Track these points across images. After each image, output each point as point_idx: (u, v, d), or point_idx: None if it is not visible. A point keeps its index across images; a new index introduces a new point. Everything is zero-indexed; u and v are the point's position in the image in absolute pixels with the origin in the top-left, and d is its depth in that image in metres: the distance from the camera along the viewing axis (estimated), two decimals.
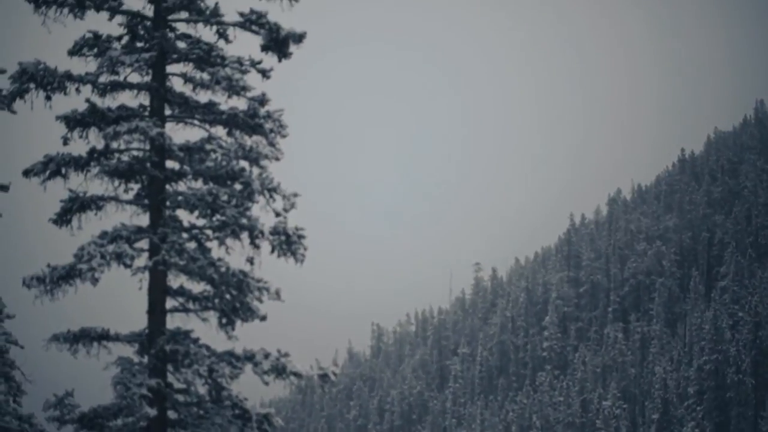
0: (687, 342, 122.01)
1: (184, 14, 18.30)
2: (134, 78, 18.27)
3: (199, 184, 18.36)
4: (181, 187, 18.47)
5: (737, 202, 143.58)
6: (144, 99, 18.40)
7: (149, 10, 18.30)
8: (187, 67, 18.40)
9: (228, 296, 18.19)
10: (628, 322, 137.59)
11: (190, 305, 18.49)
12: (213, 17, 18.21)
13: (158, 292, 18.19)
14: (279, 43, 18.05)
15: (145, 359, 18.11)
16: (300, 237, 18.13)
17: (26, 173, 18.01)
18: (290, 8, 18.06)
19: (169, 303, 18.42)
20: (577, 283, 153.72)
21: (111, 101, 18.24)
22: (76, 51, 18.11)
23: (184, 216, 18.37)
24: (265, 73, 18.32)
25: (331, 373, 18.46)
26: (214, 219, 18.08)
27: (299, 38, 18.09)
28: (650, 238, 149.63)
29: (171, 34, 18.30)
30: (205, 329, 18.38)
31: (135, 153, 18.26)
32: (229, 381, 18.04)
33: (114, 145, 17.98)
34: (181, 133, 18.50)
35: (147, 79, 18.30)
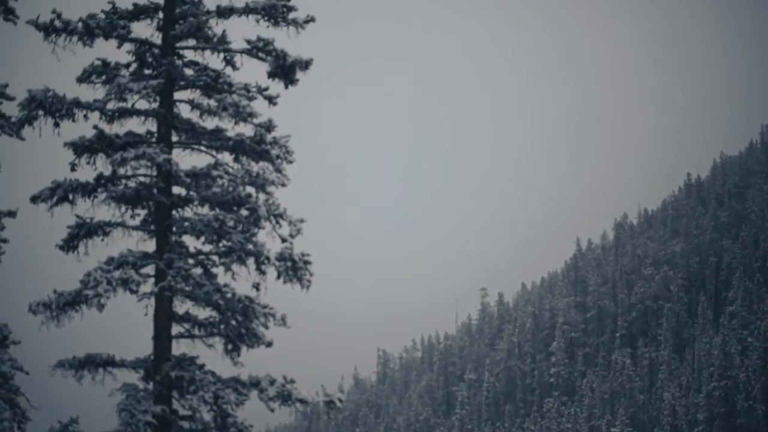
0: (696, 368, 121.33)
1: (191, 42, 18.41)
2: (142, 105, 18.40)
3: (205, 210, 18.39)
4: (188, 213, 18.50)
5: (744, 226, 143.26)
6: (151, 125, 18.49)
7: (157, 38, 18.41)
8: (194, 94, 18.50)
9: (234, 322, 18.17)
10: (636, 347, 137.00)
11: (196, 331, 18.46)
12: (220, 44, 18.30)
13: (164, 318, 18.18)
14: (286, 70, 18.14)
15: (151, 386, 18.07)
16: (306, 263, 18.13)
17: (33, 199, 18.07)
18: (297, 36, 18.17)
19: (175, 329, 18.40)
20: (584, 309, 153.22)
21: (119, 128, 18.37)
22: (84, 78, 18.22)
23: (191, 242, 18.41)
24: (271, 100, 18.40)
25: (337, 399, 18.42)
26: (220, 245, 18.09)
27: (306, 65, 18.18)
28: (657, 263, 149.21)
29: (179, 62, 18.40)
30: (211, 355, 18.36)
31: (142, 179, 18.32)
32: (235, 408, 17.98)
33: (121, 171, 18.06)
34: (187, 159, 18.60)
35: (154, 105, 18.39)
